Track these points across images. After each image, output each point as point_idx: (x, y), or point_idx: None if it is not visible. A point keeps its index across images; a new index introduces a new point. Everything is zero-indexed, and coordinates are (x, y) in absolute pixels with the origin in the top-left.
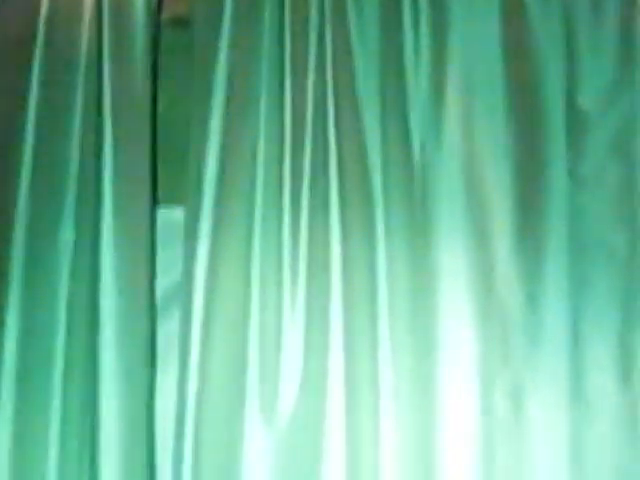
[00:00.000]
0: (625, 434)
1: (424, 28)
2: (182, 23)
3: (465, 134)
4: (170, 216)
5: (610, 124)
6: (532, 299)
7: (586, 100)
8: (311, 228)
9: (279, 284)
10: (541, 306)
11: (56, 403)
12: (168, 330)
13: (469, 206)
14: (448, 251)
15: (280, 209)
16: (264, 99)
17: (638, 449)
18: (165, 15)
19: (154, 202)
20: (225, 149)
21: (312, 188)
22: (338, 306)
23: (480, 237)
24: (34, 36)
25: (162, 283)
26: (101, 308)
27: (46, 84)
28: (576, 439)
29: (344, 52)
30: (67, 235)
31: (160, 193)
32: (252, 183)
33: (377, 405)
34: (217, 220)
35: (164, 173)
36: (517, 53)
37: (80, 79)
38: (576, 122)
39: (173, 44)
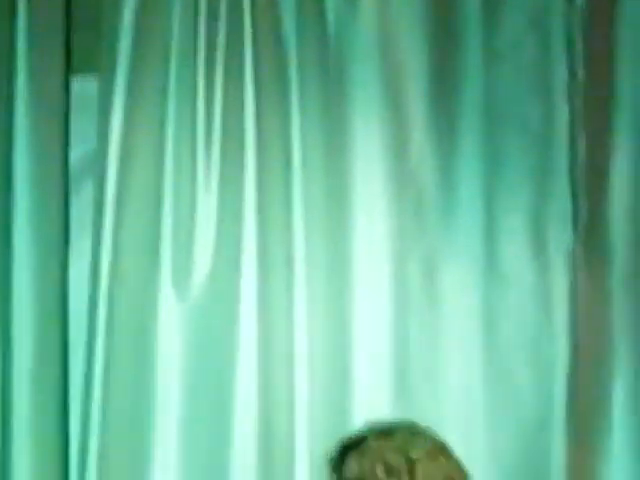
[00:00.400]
0: (538, 305)
1: None
2: None
3: (380, 5)
4: (84, 85)
5: None
6: (446, 171)
7: None
8: (225, 97)
9: (193, 153)
10: (455, 178)
11: None
12: (82, 200)
13: (384, 79)
14: (362, 123)
15: (194, 79)
16: None
17: (551, 320)
18: None
19: (68, 72)
20: (139, 18)
21: (227, 58)
22: (252, 175)
23: (394, 110)
24: None
25: (76, 153)
26: (15, 178)
27: None
28: (489, 310)
29: None
30: None
31: (74, 62)
32: (166, 52)
33: (291, 273)
34: (131, 89)
35: (78, 42)
36: None
37: None
38: None
39: None
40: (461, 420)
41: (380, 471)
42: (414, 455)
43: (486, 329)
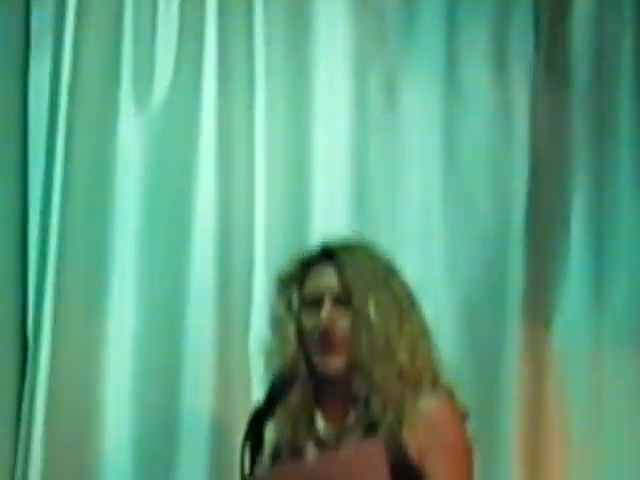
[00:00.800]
0: (498, 124)
1: None
2: None
3: None
4: None
5: None
6: None
7: None
8: None
9: None
10: None
11: None
12: (43, 9)
13: None
14: None
15: None
16: None
17: (510, 139)
18: None
19: None
20: None
21: None
22: None
23: None
24: None
25: None
26: None
27: None
28: (449, 129)
29: None
30: None
31: None
32: None
33: (251, 86)
34: None
35: None
36: None
37: None
38: None
39: None
40: (419, 239)
41: (363, 282)
42: (388, 267)
43: (446, 148)
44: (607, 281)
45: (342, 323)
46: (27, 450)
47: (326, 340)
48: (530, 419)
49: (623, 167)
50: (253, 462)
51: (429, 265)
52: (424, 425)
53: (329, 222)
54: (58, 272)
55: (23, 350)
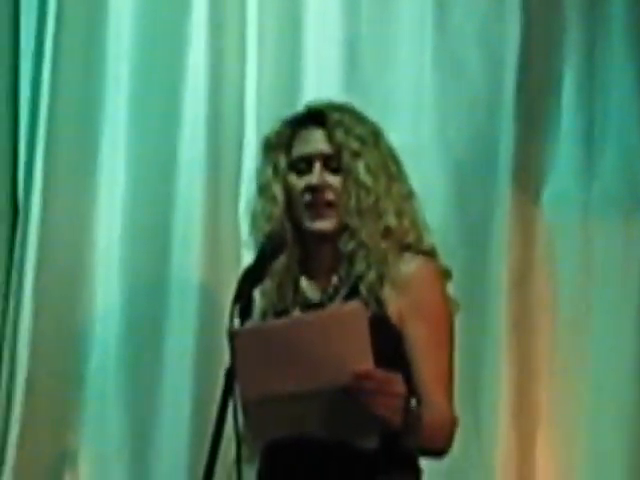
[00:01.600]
0: None
1: None
2: None
3: None
4: None
5: None
6: None
7: None
8: None
9: None
10: None
11: None
12: None
13: None
14: None
15: None
16: None
17: (503, 9)
18: None
19: None
20: None
21: None
22: None
23: None
24: None
25: None
26: None
27: None
28: None
29: None
30: None
31: None
32: None
33: None
34: None
35: None
36: None
37: None
38: None
39: None
40: (410, 104)
41: (353, 144)
42: (375, 129)
43: (437, 14)
44: (597, 151)
45: (332, 185)
46: (17, 313)
47: (317, 202)
48: (518, 288)
49: (615, 35)
50: (242, 325)
51: (420, 131)
52: (404, 286)
53: (320, 88)
54: (49, 136)
55: (13, 215)
